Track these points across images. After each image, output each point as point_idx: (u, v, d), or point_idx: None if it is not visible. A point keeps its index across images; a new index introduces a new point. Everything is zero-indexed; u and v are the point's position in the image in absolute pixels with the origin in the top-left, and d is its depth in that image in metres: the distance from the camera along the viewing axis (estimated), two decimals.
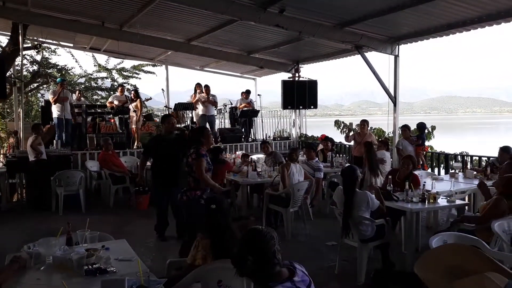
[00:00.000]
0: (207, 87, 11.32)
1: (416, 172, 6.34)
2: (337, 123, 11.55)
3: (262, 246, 1.99)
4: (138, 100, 10.50)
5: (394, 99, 9.34)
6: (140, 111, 10.52)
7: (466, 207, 6.67)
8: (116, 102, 10.96)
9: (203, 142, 4.71)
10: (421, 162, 8.41)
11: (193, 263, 3.02)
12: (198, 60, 13.30)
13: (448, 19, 7.46)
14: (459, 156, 8.61)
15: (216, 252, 2.96)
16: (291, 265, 2.09)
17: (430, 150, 9.38)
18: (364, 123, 9.04)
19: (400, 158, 6.77)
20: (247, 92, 12.59)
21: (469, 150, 8.95)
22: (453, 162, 8.46)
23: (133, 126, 10.43)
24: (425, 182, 5.50)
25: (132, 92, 11.02)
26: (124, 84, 15.57)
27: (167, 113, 11.88)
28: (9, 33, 10.12)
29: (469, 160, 8.34)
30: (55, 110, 9.70)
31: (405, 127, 8.55)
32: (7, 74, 9.88)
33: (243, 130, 12.05)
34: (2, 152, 11.76)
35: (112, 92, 16.70)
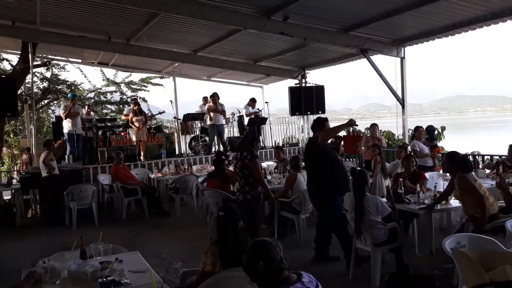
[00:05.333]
0: (213, 96, 11.31)
1: (427, 174, 6.32)
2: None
3: (269, 254, 2.14)
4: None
5: (402, 101, 9.33)
6: (144, 123, 10.52)
7: None
8: (131, 115, 10.90)
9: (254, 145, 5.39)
10: (436, 164, 8.31)
11: (203, 269, 3.05)
12: (205, 71, 13.43)
13: (452, 19, 7.46)
14: (470, 156, 8.52)
15: (224, 259, 2.98)
16: (296, 272, 2.23)
17: (442, 152, 9.29)
18: (374, 126, 9.01)
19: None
20: (253, 100, 12.60)
21: (480, 149, 8.86)
22: None
23: (134, 139, 10.33)
24: (436, 183, 5.46)
25: (136, 105, 10.54)
26: (136, 97, 15.68)
27: (176, 124, 11.99)
28: (19, 52, 10.32)
29: (480, 159, 8.25)
30: (66, 125, 9.77)
31: (419, 128, 8.41)
32: (18, 92, 10.05)
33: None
34: (16, 169, 11.94)
35: (121, 106, 16.88)
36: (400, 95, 9.34)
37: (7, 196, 9.56)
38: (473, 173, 4.67)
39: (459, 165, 4.51)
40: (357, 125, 5.45)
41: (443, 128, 9.86)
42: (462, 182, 4.37)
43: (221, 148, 11.25)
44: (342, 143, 7.74)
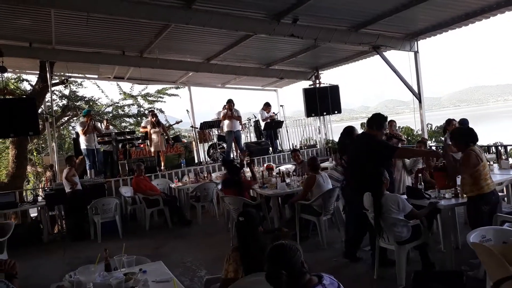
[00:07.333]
0: (229, 102, 11.39)
1: None
2: (363, 126, 11.45)
3: (290, 260, 2.10)
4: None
5: (418, 96, 9.21)
6: (164, 134, 10.74)
7: (505, 199, 6.47)
8: (149, 127, 11.06)
9: None
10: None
11: (226, 276, 3.06)
12: (219, 78, 13.52)
13: (464, 8, 7.35)
14: (493, 147, 8.33)
15: (246, 265, 2.99)
16: (317, 274, 2.19)
17: None
18: (392, 122, 8.90)
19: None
20: (267, 105, 12.60)
21: (503, 140, 8.65)
22: (487, 153, 8.18)
23: (153, 150, 10.58)
24: (458, 176, 5.34)
25: (154, 117, 10.81)
26: (153, 109, 15.86)
27: (193, 133, 12.07)
28: (38, 72, 10.58)
29: (503, 150, 8.05)
30: (83, 142, 9.93)
31: (451, 121, 8.17)
32: (39, 110, 10.29)
33: (269, 142, 12.08)
34: (40, 186, 12.21)
35: (139, 118, 17.10)
36: (416, 89, 9.22)
37: (33, 213, 9.79)
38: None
39: (467, 138, 4.37)
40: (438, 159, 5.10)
41: None
42: (466, 158, 4.24)
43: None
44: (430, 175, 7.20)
